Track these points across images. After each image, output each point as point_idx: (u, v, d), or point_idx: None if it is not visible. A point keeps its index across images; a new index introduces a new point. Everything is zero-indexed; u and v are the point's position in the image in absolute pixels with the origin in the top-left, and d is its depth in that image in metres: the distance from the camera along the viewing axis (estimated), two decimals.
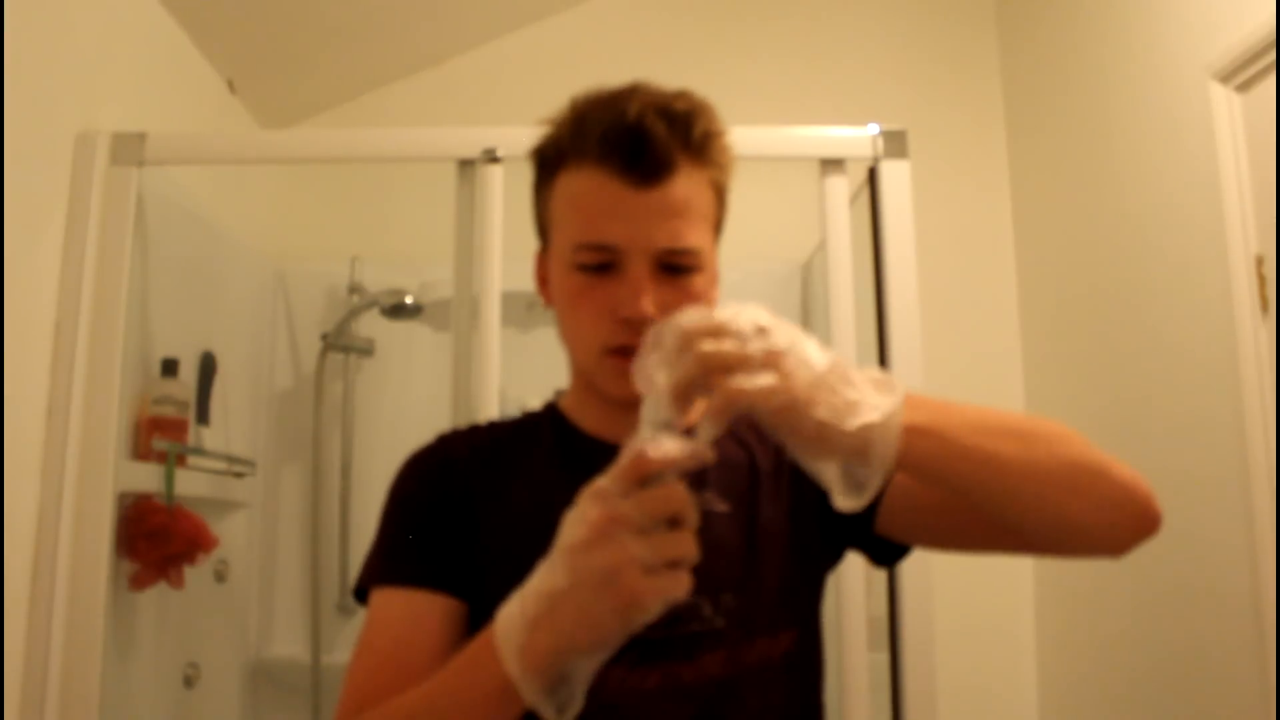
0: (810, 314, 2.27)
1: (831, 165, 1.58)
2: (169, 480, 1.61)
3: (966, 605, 2.16)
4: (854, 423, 0.64)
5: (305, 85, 2.39)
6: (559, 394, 0.94)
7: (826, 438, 0.65)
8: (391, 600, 0.81)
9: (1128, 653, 1.91)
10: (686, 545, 0.59)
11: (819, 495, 0.86)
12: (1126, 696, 1.91)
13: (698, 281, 0.82)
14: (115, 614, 1.55)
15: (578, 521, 0.60)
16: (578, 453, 0.88)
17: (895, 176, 1.57)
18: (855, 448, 0.65)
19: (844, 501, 0.66)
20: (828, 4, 2.58)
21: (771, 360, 0.64)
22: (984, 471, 0.71)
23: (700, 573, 0.74)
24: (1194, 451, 1.69)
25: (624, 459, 0.60)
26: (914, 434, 0.66)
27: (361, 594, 0.85)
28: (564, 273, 0.84)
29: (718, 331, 0.65)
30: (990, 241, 2.47)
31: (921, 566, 1.47)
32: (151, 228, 1.66)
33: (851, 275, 1.55)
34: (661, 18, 2.57)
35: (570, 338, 0.87)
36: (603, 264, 0.80)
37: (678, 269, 0.81)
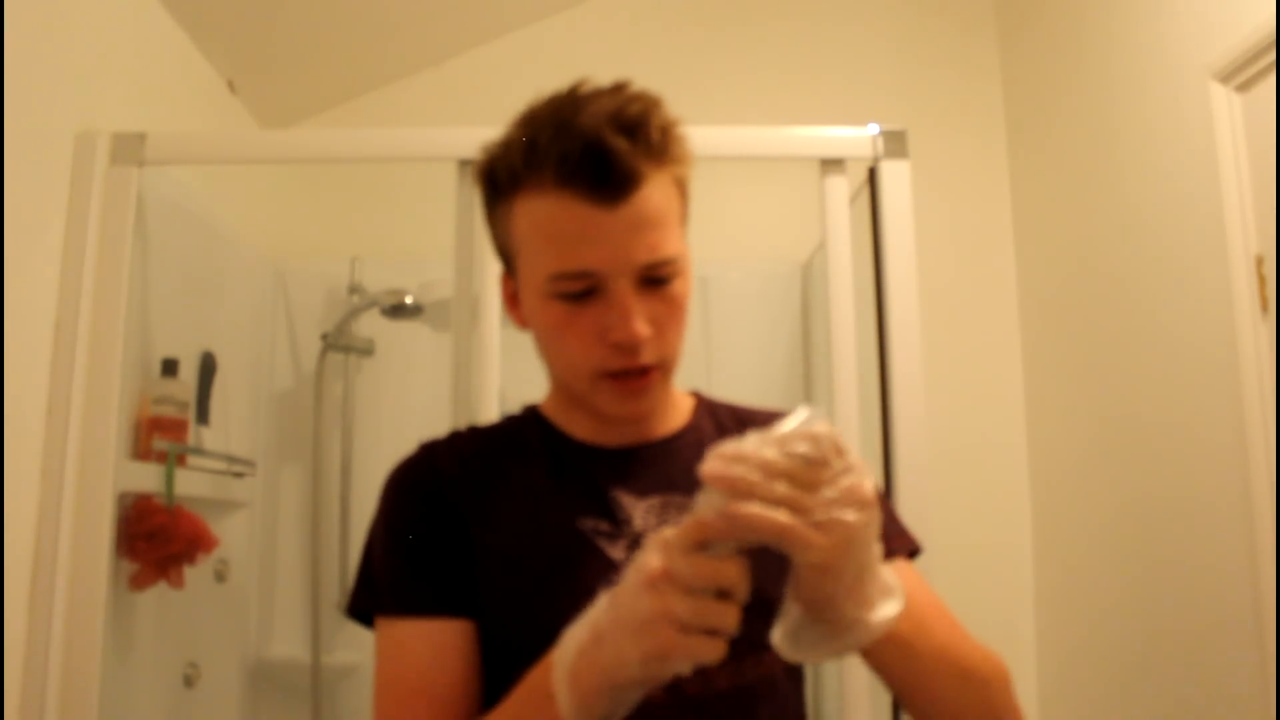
0: (810, 314, 2.27)
1: (831, 165, 1.58)
2: (169, 480, 1.61)
3: (966, 605, 2.15)
4: (857, 614, 0.64)
5: (305, 85, 2.38)
6: (533, 403, 0.93)
7: (828, 604, 0.63)
8: (406, 631, 0.80)
9: (1128, 652, 1.90)
10: (728, 618, 0.59)
11: None
12: (1127, 695, 1.91)
13: (678, 286, 0.81)
14: (115, 614, 1.55)
15: (637, 566, 0.61)
16: (568, 460, 0.86)
17: (895, 176, 1.57)
18: (841, 626, 0.64)
19: (781, 642, 0.66)
20: (828, 4, 2.58)
21: (830, 525, 0.60)
22: (920, 693, 0.77)
23: None
24: (1194, 451, 1.69)
25: (690, 519, 0.60)
26: (889, 639, 0.67)
27: (363, 617, 0.84)
28: (541, 302, 0.81)
29: (813, 470, 0.60)
30: (990, 241, 2.47)
31: (921, 566, 1.46)
32: (151, 228, 1.66)
33: (851, 275, 1.55)
34: (661, 18, 2.57)
35: (557, 363, 0.85)
36: (584, 290, 0.78)
37: (659, 280, 0.79)
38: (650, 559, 0.60)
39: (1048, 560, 2.26)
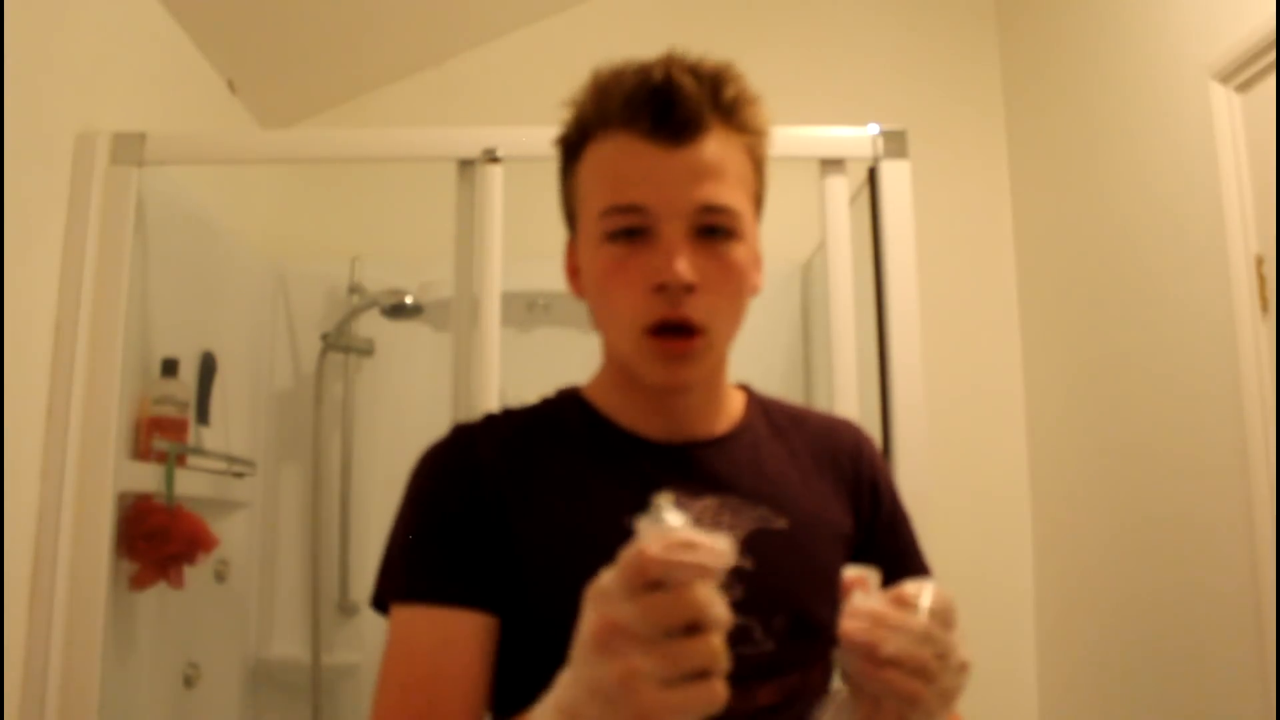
0: (810, 314, 2.27)
1: (831, 165, 1.58)
2: (169, 480, 1.61)
3: (966, 605, 2.15)
4: None
5: (305, 85, 2.38)
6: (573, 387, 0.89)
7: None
8: (418, 619, 0.75)
9: (1128, 652, 1.90)
10: (705, 654, 0.50)
11: (888, 542, 0.88)
12: (1126, 696, 1.91)
13: (738, 250, 0.77)
14: (115, 614, 1.55)
15: (581, 628, 0.53)
16: (614, 449, 0.81)
17: (895, 176, 1.57)
18: None
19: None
20: (828, 4, 2.58)
21: (949, 692, 0.65)
22: None
23: (754, 596, 0.74)
24: (1194, 452, 1.69)
25: (624, 557, 0.51)
26: None
27: (382, 604, 0.79)
28: (594, 249, 0.78)
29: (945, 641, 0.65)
30: (990, 241, 2.47)
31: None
32: (151, 228, 1.66)
33: (851, 275, 1.55)
34: (661, 18, 2.57)
35: (606, 323, 0.81)
36: (634, 228, 0.75)
37: (715, 231, 0.75)
38: (590, 616, 0.52)
39: (1048, 561, 2.26)
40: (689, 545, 0.50)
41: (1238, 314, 1.55)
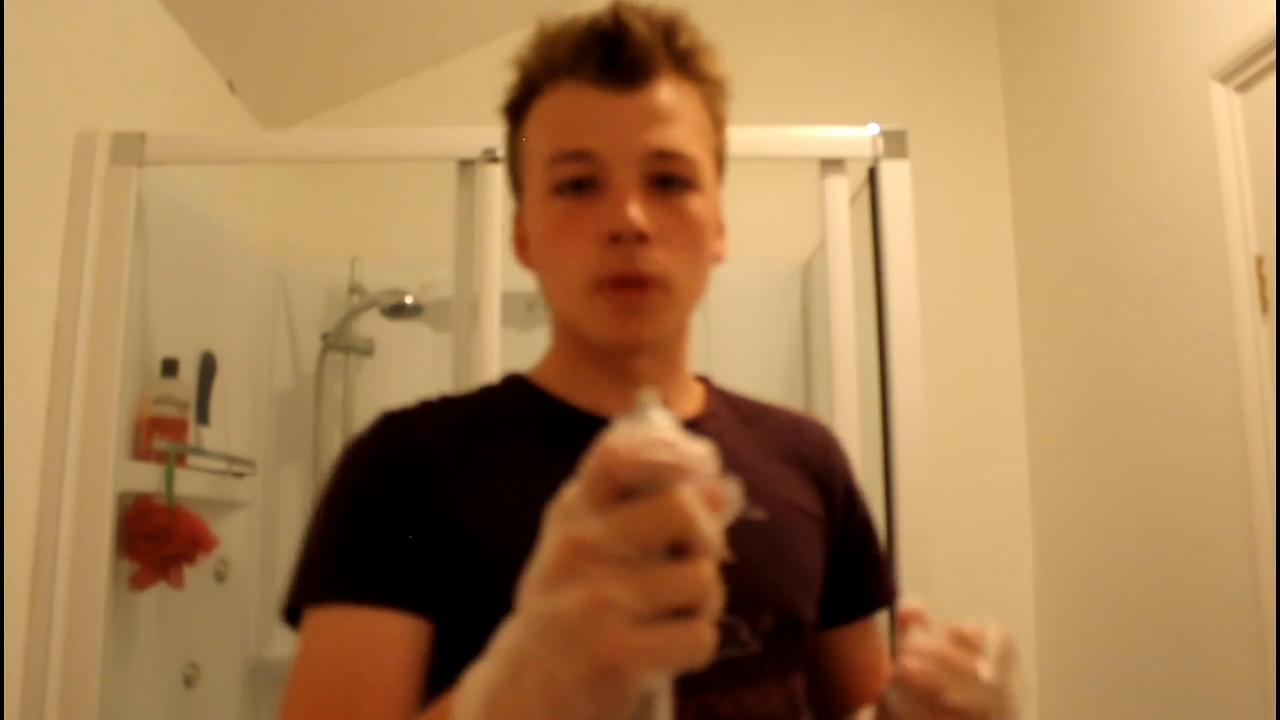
0: (810, 314, 2.27)
1: (831, 165, 1.58)
2: (169, 480, 1.61)
3: (967, 605, 2.16)
4: None
5: (305, 85, 2.38)
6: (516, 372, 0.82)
7: None
8: (335, 621, 0.65)
9: (1128, 652, 1.90)
10: (693, 583, 0.38)
11: (862, 545, 0.83)
12: (1126, 696, 1.91)
13: (696, 203, 0.71)
14: (115, 614, 1.55)
15: (540, 552, 0.41)
16: (567, 429, 0.72)
17: (895, 176, 1.57)
18: None
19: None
20: (828, 5, 2.58)
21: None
22: None
23: (738, 593, 0.68)
24: (1194, 451, 1.69)
25: (589, 459, 0.41)
26: None
27: (294, 615, 0.69)
28: (540, 206, 0.72)
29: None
30: (990, 241, 2.47)
31: (921, 566, 1.47)
32: (151, 228, 1.66)
33: (851, 275, 1.55)
34: None
35: (553, 284, 0.74)
36: (583, 179, 0.69)
37: (671, 181, 0.70)
38: (550, 537, 0.41)
39: (1048, 560, 2.26)
40: (665, 444, 0.39)
41: (1238, 314, 1.55)
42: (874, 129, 1.59)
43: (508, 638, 0.42)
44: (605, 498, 0.39)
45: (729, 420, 0.81)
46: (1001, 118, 2.53)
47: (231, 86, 2.17)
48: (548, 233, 0.72)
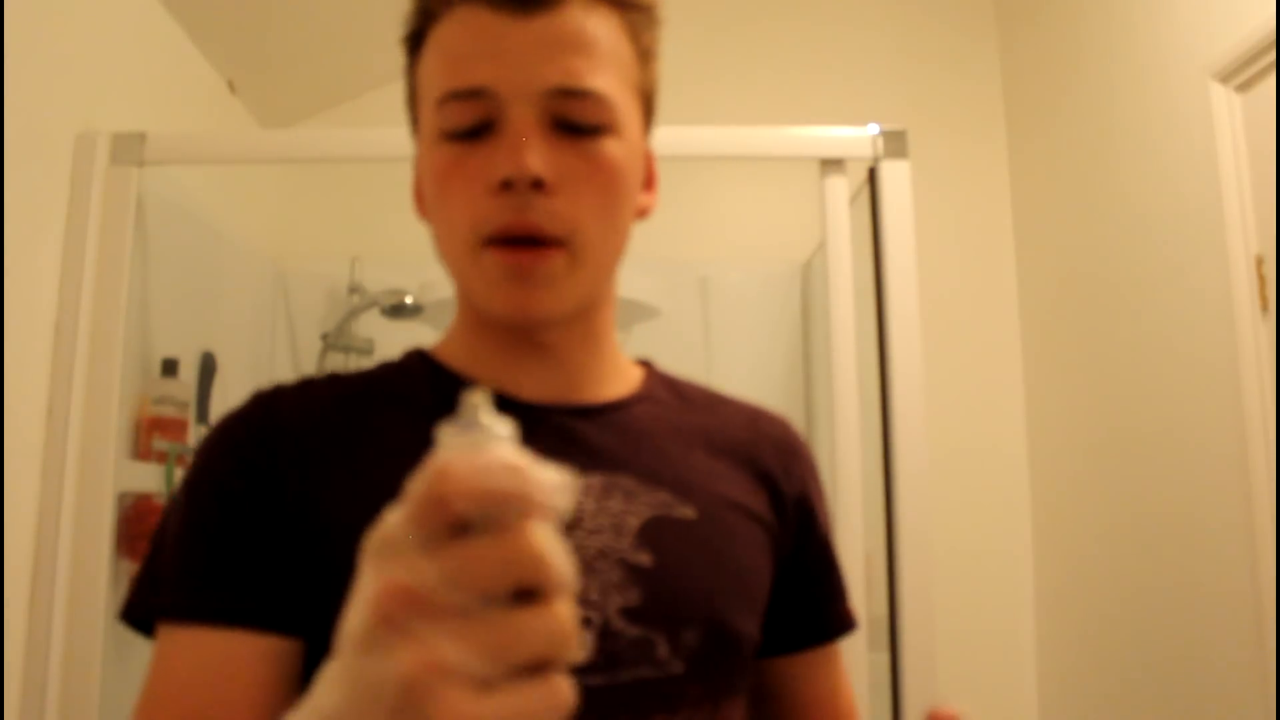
0: (810, 314, 2.27)
1: (831, 165, 1.58)
2: (169, 480, 1.61)
3: (966, 605, 2.16)
4: None
5: (305, 85, 2.38)
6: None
7: None
8: (182, 643, 0.57)
9: (1128, 653, 1.90)
10: (546, 633, 0.32)
11: (819, 550, 0.74)
12: (1126, 697, 1.91)
13: (611, 146, 0.61)
14: (115, 614, 1.55)
15: (358, 598, 0.34)
16: None
17: (895, 176, 1.57)
18: None
19: None
20: (827, 4, 2.58)
21: None
22: None
23: (657, 602, 0.58)
24: (1194, 451, 1.69)
25: (416, 483, 0.33)
26: None
27: (143, 624, 0.60)
28: (430, 151, 0.63)
29: None
30: (990, 241, 2.47)
31: (922, 567, 1.47)
32: (151, 228, 1.66)
33: (851, 275, 1.55)
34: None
35: (444, 241, 0.64)
36: (476, 123, 0.60)
37: (579, 128, 0.60)
38: (374, 577, 0.33)
39: (1048, 563, 2.26)
40: (512, 469, 0.32)
41: (1238, 314, 1.55)
42: (874, 129, 1.59)
43: (326, 694, 0.34)
44: (436, 532, 0.32)
45: (666, 405, 0.72)
46: (1001, 118, 2.53)
47: (231, 86, 2.17)
48: (435, 182, 0.63)
